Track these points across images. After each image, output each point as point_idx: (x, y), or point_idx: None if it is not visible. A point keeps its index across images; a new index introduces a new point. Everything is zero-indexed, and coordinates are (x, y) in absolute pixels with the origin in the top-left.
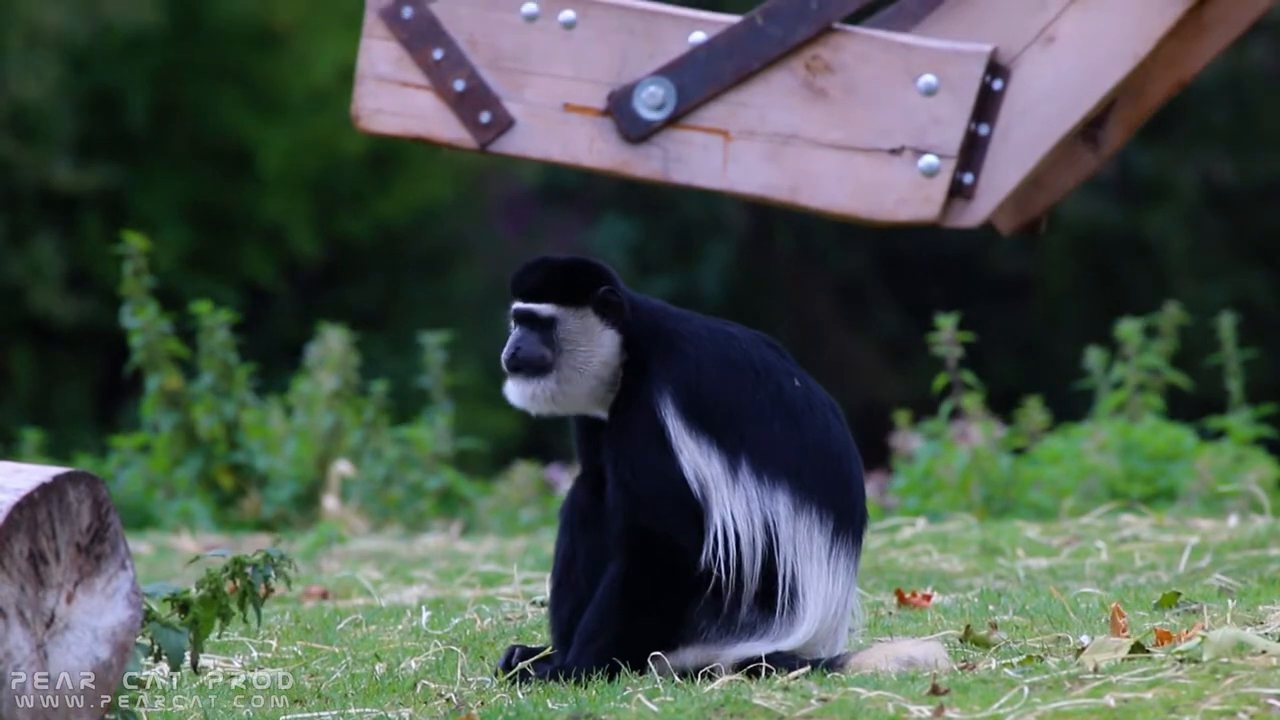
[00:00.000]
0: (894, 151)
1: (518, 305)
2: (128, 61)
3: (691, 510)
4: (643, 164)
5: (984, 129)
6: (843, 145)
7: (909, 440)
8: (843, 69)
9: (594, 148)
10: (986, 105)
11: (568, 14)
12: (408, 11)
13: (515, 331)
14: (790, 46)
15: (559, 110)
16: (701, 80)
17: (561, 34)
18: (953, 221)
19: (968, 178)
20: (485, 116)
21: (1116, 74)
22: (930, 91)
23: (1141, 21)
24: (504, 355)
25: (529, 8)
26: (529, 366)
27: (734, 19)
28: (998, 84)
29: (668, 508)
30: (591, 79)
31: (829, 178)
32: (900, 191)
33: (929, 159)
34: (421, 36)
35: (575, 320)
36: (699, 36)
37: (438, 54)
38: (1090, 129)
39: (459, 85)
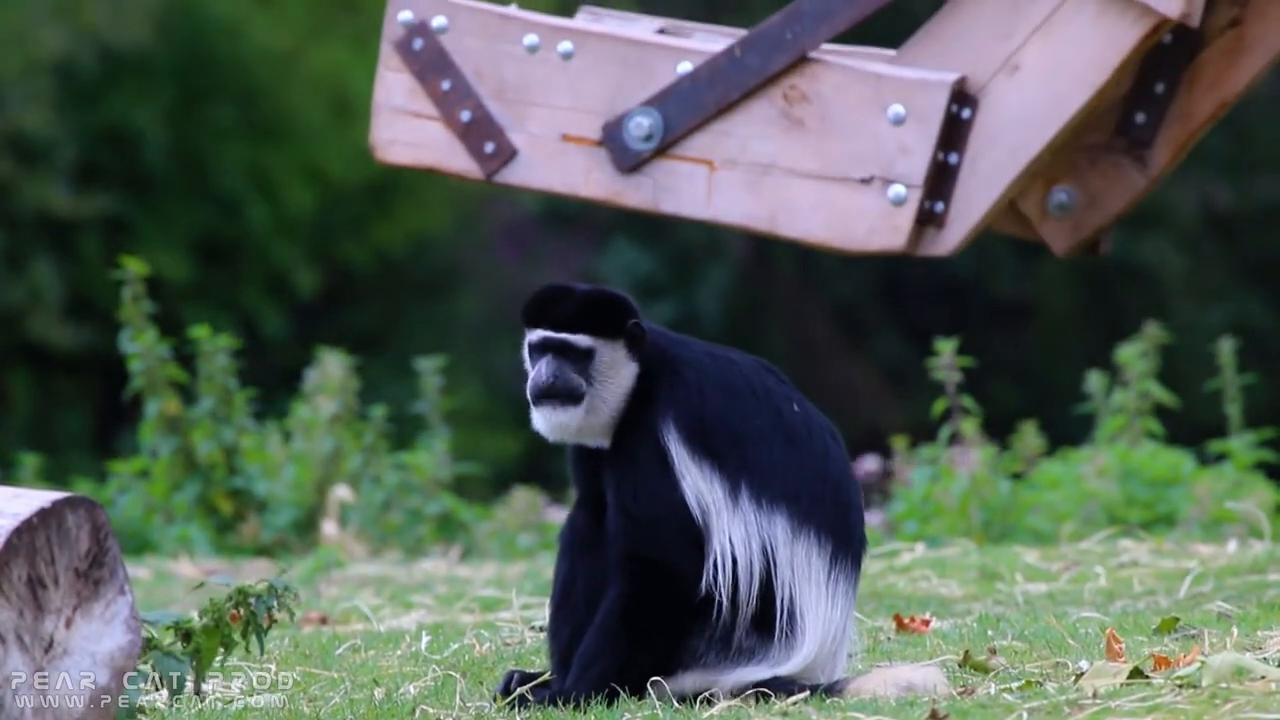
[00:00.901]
0: (865, 181)
1: (549, 335)
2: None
3: (692, 537)
4: (634, 194)
5: (953, 158)
6: (818, 175)
7: (906, 466)
8: (818, 99)
9: (590, 178)
10: (954, 134)
11: (565, 45)
12: (418, 43)
13: (547, 361)
14: (768, 76)
15: (558, 141)
16: (686, 111)
17: (560, 65)
18: (925, 250)
19: (939, 206)
20: (489, 147)
21: (1077, 102)
22: (899, 121)
23: (1099, 51)
24: (536, 384)
25: (530, 39)
26: (564, 396)
27: (718, 49)
28: (966, 113)
29: (669, 534)
30: (587, 109)
31: (805, 207)
32: (870, 221)
33: (897, 188)
34: (431, 67)
35: (609, 352)
36: (685, 67)
37: (445, 85)
38: (1137, 150)
39: (465, 116)
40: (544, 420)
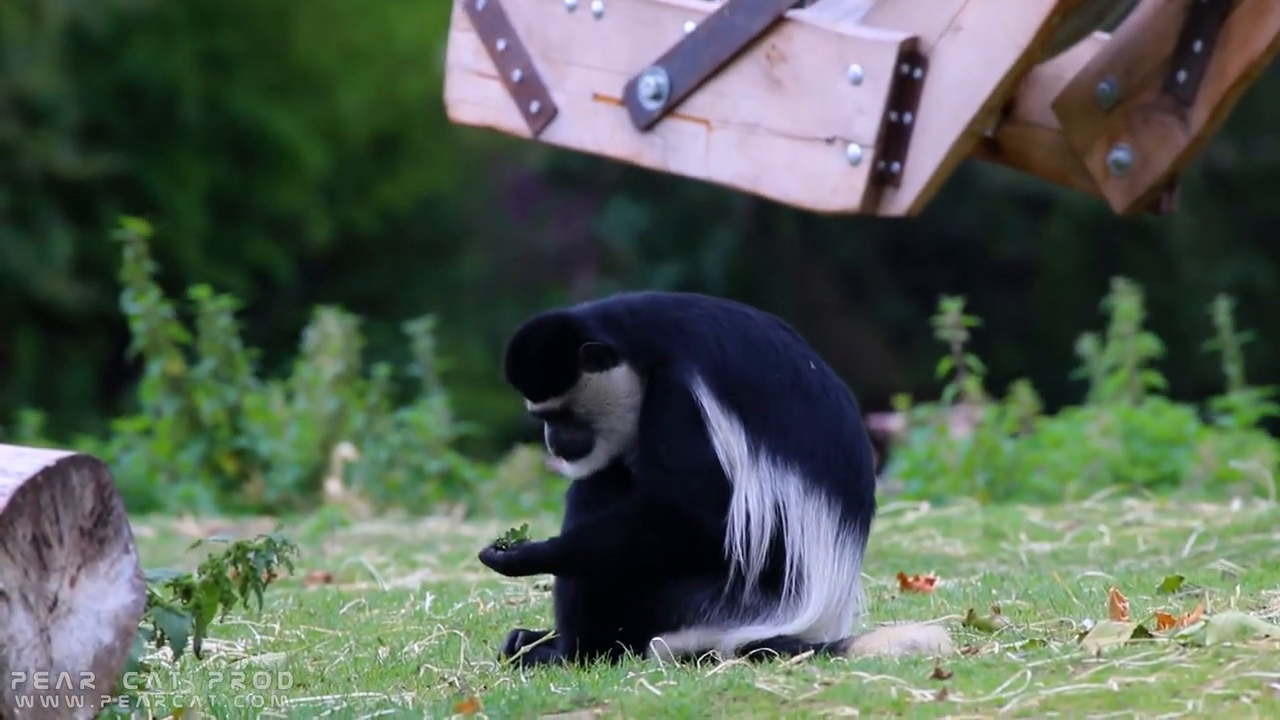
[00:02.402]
0: (829, 141)
1: (530, 406)
2: (141, 48)
3: (721, 494)
4: (649, 153)
5: (907, 117)
6: (792, 135)
7: (904, 426)
8: (793, 58)
9: (615, 137)
10: (906, 94)
11: (598, 4)
12: (481, 3)
13: (545, 426)
14: (752, 36)
15: (590, 100)
16: (688, 70)
17: (593, 24)
18: (883, 210)
19: (895, 166)
20: (535, 106)
21: (1005, 63)
22: (857, 81)
23: (1024, 13)
24: (548, 444)
25: None
26: (572, 453)
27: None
28: (917, 73)
29: (700, 488)
30: (614, 69)
31: (781, 167)
32: (833, 180)
33: (854, 148)
34: (491, 27)
35: (582, 393)
36: (690, 26)
37: (501, 44)
38: (1181, 108)
39: (516, 75)
40: (570, 470)
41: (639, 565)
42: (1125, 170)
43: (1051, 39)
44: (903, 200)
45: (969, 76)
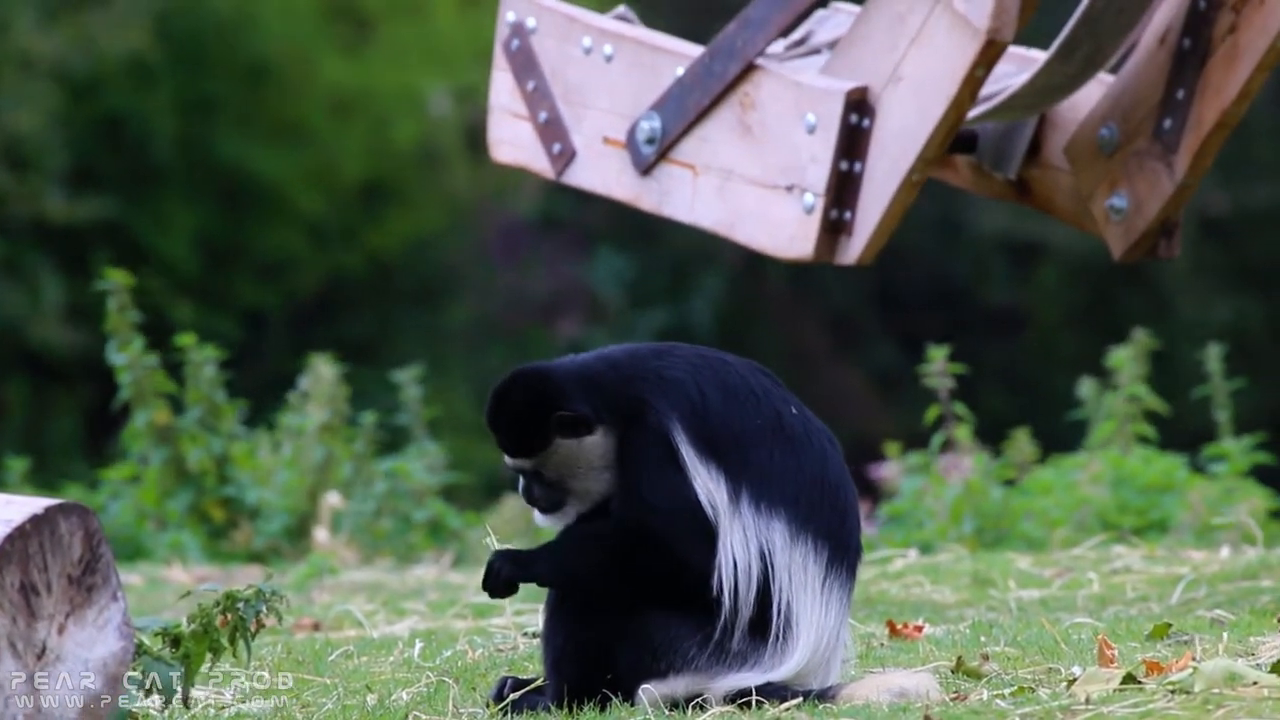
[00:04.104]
0: (789, 189)
1: (506, 459)
2: (127, 92)
3: (705, 533)
4: (647, 197)
5: (857, 166)
6: (760, 182)
7: (895, 473)
8: (760, 106)
9: (620, 180)
10: (855, 143)
11: (608, 48)
12: (515, 43)
13: (520, 479)
14: (728, 83)
15: (601, 143)
16: (676, 116)
17: (604, 67)
18: (837, 259)
19: (847, 215)
20: (557, 147)
21: (936, 112)
22: (811, 130)
23: (951, 62)
24: (521, 496)
25: (586, 41)
26: (545, 507)
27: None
28: (865, 122)
29: (682, 523)
30: (619, 112)
31: (751, 215)
32: (791, 229)
33: (808, 196)
34: (523, 68)
35: (553, 457)
36: (680, 72)
37: (530, 85)
38: (1168, 155)
39: (543, 117)
40: (542, 522)
41: (624, 582)
42: (1122, 216)
43: (978, 89)
44: (854, 248)
45: (907, 126)
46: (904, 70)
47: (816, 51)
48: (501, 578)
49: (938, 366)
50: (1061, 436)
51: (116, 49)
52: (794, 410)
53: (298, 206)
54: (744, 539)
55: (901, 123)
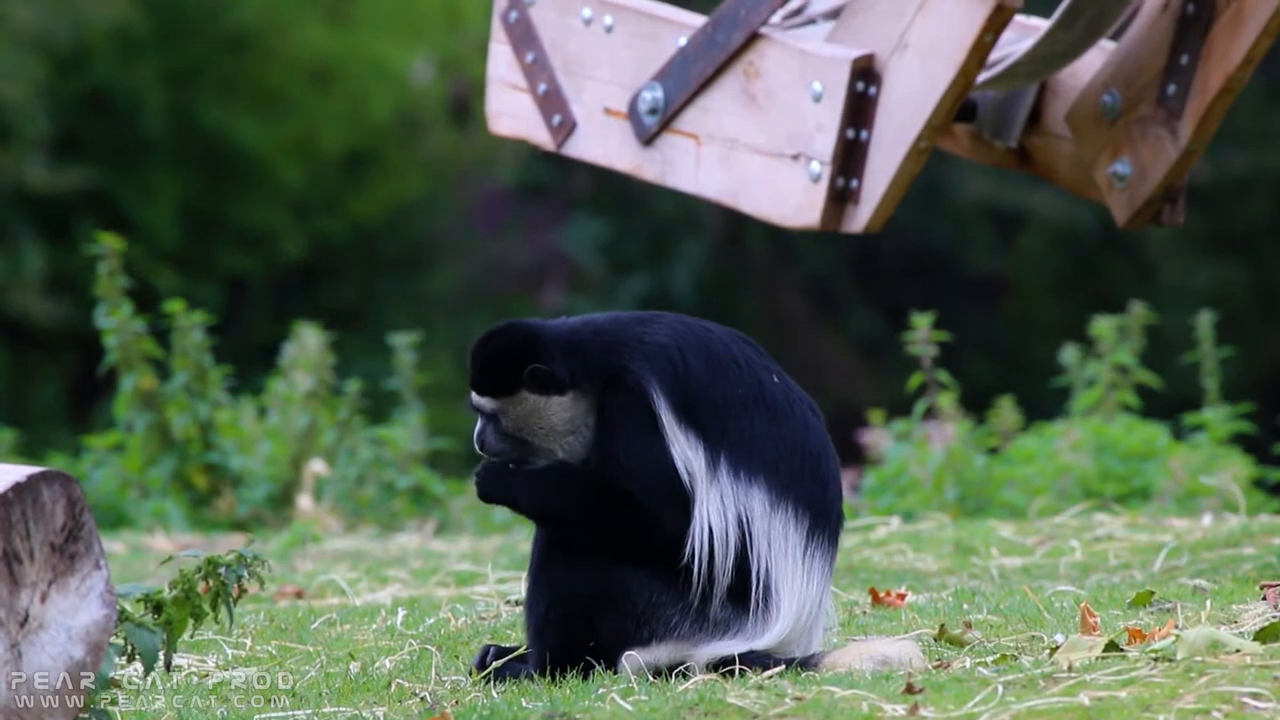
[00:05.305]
0: (795, 158)
1: (471, 396)
2: (111, 62)
3: (680, 497)
4: (650, 167)
5: (863, 134)
6: (766, 151)
7: (881, 440)
8: (765, 75)
9: (621, 151)
10: (861, 111)
11: (608, 18)
12: (513, 15)
13: (478, 418)
14: (731, 52)
15: (602, 114)
16: (679, 85)
17: (604, 38)
18: (845, 227)
19: (853, 183)
20: (557, 119)
21: (944, 81)
22: (817, 98)
23: (959, 28)
24: (474, 437)
25: (586, 11)
26: (490, 452)
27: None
28: (871, 90)
29: (660, 488)
30: (620, 83)
31: (757, 183)
32: (798, 197)
33: (815, 165)
34: (521, 40)
35: (516, 407)
36: (683, 41)
37: (529, 57)
38: (1171, 121)
39: (542, 88)
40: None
41: (593, 533)
42: (1125, 183)
43: (986, 56)
44: (861, 217)
45: (914, 94)
46: (911, 37)
47: (813, 21)
48: (479, 492)
49: (921, 334)
50: (1043, 404)
51: (99, 18)
52: (776, 379)
53: (280, 175)
54: (720, 506)
55: (908, 90)
